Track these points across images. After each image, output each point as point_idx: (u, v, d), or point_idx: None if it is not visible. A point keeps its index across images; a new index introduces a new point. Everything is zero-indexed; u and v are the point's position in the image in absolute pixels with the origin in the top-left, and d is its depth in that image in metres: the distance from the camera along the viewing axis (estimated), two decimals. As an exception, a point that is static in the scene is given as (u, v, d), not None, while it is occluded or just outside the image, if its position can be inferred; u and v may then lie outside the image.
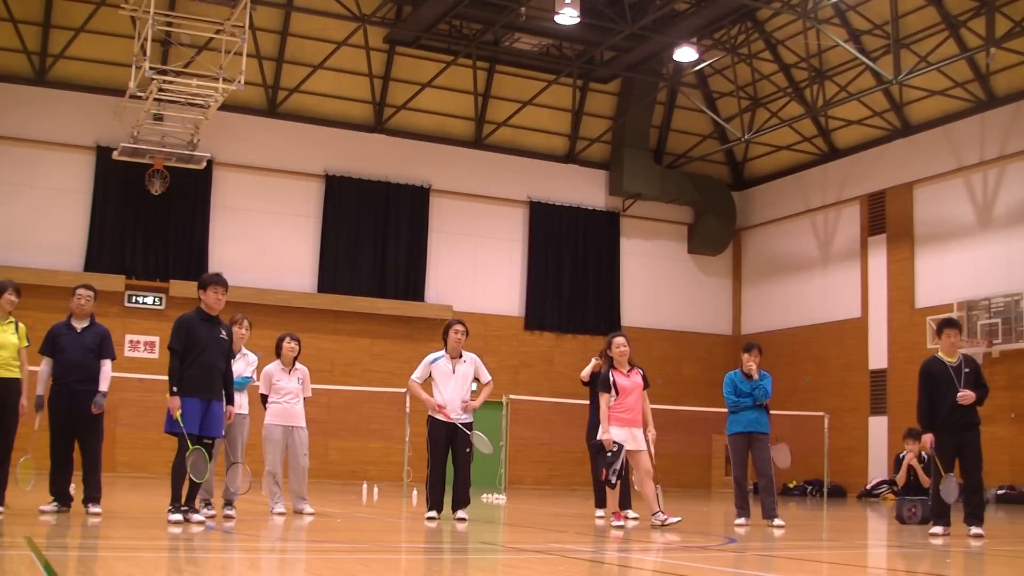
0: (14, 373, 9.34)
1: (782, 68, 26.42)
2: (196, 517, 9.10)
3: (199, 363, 9.11)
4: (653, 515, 10.47)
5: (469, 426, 10.77)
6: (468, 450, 10.68)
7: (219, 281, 9.41)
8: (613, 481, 10.28)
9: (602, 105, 28.44)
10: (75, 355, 9.69)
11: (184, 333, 9.13)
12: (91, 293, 9.98)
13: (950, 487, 10.19)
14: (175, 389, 8.99)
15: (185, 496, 9.18)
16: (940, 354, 10.53)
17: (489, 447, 10.82)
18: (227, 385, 9.42)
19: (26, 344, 9.52)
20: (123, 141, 22.77)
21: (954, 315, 22.52)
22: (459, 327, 10.92)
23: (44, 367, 9.77)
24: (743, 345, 12.23)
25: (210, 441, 9.22)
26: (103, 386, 9.78)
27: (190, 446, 8.89)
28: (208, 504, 10.10)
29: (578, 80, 27.21)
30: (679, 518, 10.62)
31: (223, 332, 9.37)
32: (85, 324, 9.88)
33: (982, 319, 22.52)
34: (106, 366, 9.84)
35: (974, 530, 10.07)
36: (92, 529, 8.49)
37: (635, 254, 28.87)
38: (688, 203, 29.03)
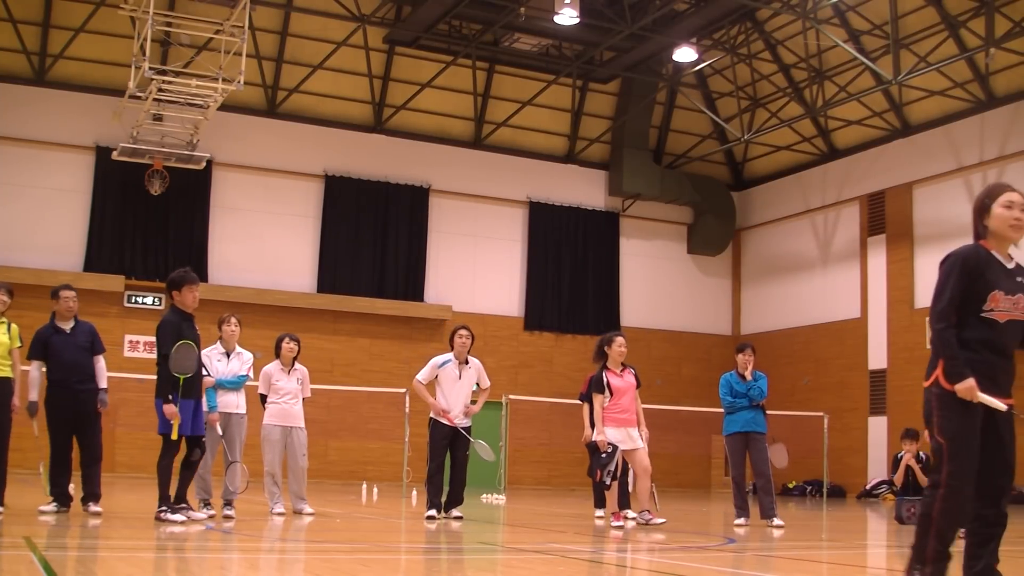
0: (6, 372, 9.36)
1: (782, 68, 26.42)
2: (176, 517, 9.09)
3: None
4: (640, 512, 10.57)
5: (469, 430, 10.94)
6: (466, 452, 10.86)
7: (195, 279, 9.42)
8: (608, 482, 10.36)
9: (602, 105, 28.43)
10: (72, 356, 9.70)
11: (176, 337, 9.09)
12: (74, 292, 10.00)
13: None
14: (171, 396, 8.97)
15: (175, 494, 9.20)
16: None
17: (492, 455, 10.92)
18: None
19: (19, 345, 9.54)
20: (123, 141, 22.76)
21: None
22: (463, 331, 11.09)
23: (34, 371, 9.77)
24: (736, 346, 12.39)
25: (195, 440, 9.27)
26: (102, 383, 9.82)
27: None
28: (207, 504, 10.11)
29: (578, 80, 27.20)
30: (663, 520, 10.75)
31: (197, 330, 9.38)
32: (71, 324, 9.88)
33: (982, 319, 22.47)
34: (100, 362, 9.89)
35: None
36: (92, 529, 8.49)
37: (635, 254, 28.86)
38: (688, 203, 29.01)
